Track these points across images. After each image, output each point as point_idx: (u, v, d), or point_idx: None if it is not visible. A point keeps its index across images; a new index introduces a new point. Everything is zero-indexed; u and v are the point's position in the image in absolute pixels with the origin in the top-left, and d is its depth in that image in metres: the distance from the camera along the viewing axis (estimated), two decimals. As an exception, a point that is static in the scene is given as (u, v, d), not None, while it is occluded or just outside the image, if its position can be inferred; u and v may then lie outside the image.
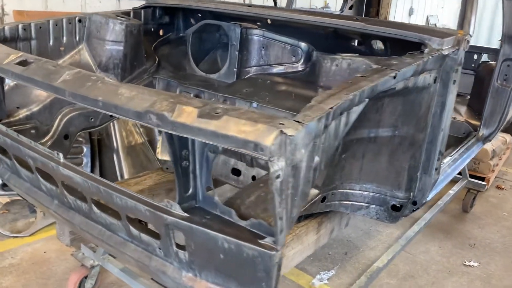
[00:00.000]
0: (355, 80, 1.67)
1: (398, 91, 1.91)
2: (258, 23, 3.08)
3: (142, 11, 3.37)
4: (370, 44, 2.70)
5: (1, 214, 4.06)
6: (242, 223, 1.54)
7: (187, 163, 1.59)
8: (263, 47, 3.17)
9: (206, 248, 1.53)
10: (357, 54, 2.12)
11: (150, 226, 1.75)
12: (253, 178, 2.77)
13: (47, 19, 2.81)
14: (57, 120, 2.70)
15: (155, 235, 1.70)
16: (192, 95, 3.07)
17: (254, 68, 3.22)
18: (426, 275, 3.65)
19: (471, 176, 4.73)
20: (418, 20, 12.48)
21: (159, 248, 1.68)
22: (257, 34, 3.16)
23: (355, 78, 1.69)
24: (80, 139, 3.73)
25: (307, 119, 1.36)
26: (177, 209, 1.57)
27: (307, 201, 1.89)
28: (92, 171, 4.05)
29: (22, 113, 2.56)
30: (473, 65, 4.77)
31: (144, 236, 1.72)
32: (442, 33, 2.31)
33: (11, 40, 2.63)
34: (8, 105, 2.50)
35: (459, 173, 4.33)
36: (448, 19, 13.64)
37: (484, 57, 4.95)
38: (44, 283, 3.24)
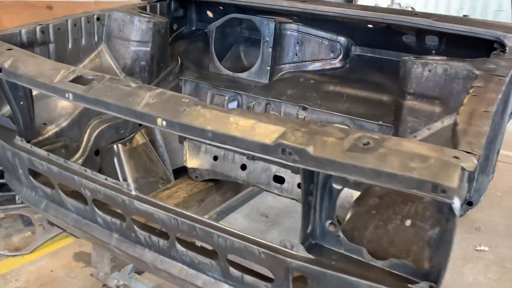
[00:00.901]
0: (478, 92, 1.50)
1: None
2: (295, 17, 2.85)
3: (158, 5, 3.05)
4: (424, 39, 2.54)
5: (-8, 231, 3.67)
6: (378, 263, 1.36)
7: (311, 198, 1.39)
8: (297, 43, 2.95)
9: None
10: (445, 57, 1.96)
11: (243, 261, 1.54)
12: (298, 185, 2.59)
13: (65, 17, 2.45)
14: (86, 135, 2.40)
15: (262, 277, 1.50)
16: (227, 98, 2.82)
17: (288, 65, 3.00)
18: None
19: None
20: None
21: (270, 292, 1.48)
22: (291, 29, 2.93)
23: (476, 89, 1.52)
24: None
25: (475, 148, 1.19)
26: (301, 251, 1.37)
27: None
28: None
29: (51, 129, 2.24)
30: None
31: (249, 278, 1.51)
32: None
33: (28, 45, 2.28)
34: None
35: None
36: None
37: None
38: (60, 307, 2.95)
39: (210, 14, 3.36)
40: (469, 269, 3.57)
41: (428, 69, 1.84)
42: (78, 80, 1.63)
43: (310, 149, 1.20)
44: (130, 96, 1.49)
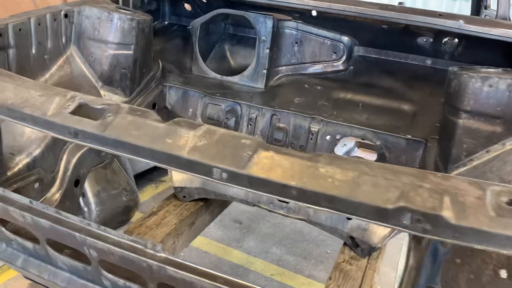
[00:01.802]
0: None
1: None
2: (296, 14, 2.51)
3: (130, -3, 2.58)
4: (441, 42, 2.32)
5: None
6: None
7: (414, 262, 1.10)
8: (296, 43, 2.62)
9: None
10: (500, 69, 1.74)
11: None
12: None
13: (26, 14, 1.94)
14: (63, 163, 1.92)
15: None
16: (223, 107, 2.44)
17: (285, 68, 2.66)
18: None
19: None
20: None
21: None
22: (290, 27, 2.59)
23: None
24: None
25: None
26: None
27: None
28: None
29: (21, 160, 1.75)
30: None
31: None
32: None
33: (-19, 51, 1.77)
34: (-1, 152, 1.69)
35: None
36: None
37: None
38: None
39: (188, 7, 2.93)
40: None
41: (488, 84, 1.60)
42: (81, 110, 1.21)
43: (449, 216, 0.90)
44: (167, 136, 1.10)
